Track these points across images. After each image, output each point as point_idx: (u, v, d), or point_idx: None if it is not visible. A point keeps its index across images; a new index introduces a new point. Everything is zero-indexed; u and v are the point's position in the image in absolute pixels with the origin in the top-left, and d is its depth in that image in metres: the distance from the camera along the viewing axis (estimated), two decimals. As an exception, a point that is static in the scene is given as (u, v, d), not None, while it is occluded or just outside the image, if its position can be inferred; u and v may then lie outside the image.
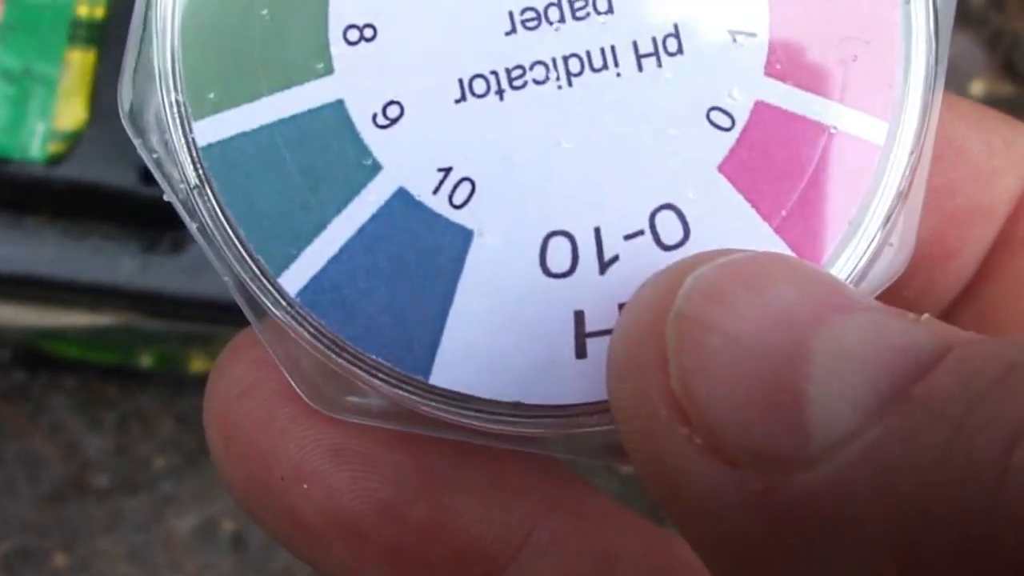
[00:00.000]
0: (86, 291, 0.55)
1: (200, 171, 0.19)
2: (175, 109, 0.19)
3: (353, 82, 0.19)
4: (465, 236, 0.19)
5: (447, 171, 0.18)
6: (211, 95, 0.19)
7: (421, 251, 0.19)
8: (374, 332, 0.18)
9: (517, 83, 0.19)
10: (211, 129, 0.19)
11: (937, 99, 0.19)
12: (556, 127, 0.19)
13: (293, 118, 0.19)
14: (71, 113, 0.53)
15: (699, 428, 0.15)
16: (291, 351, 0.19)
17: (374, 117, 0.18)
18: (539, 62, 0.19)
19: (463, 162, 0.19)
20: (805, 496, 0.14)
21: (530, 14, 0.19)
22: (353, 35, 0.19)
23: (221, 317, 0.58)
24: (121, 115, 0.19)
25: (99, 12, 0.53)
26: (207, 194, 0.19)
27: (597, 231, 0.19)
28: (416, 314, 0.18)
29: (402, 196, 0.19)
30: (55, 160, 0.52)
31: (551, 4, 0.19)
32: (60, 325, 0.60)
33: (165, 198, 0.19)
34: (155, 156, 0.19)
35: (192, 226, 0.19)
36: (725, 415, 0.14)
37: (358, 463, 0.20)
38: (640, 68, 0.19)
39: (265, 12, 0.19)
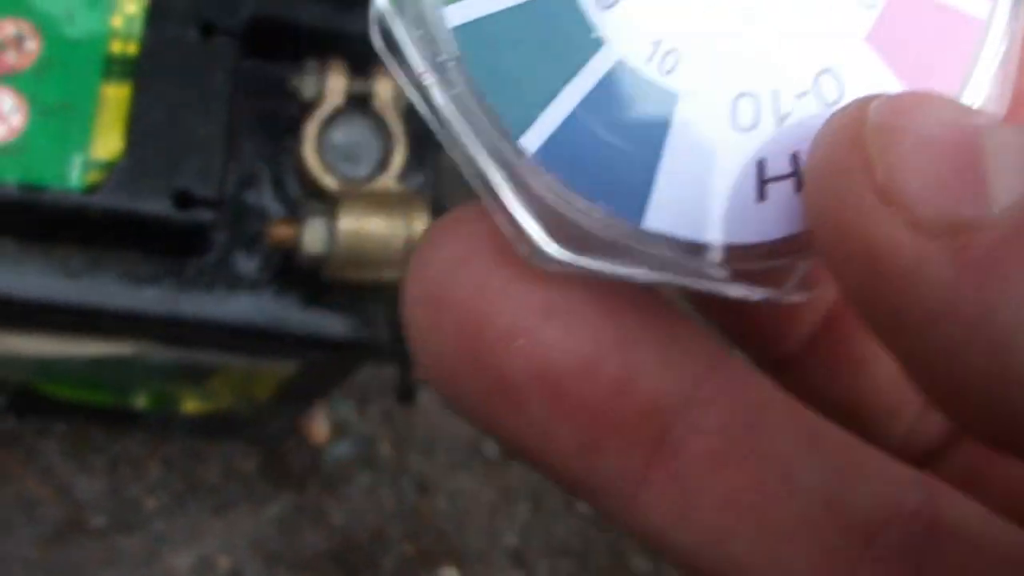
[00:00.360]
0: (110, 317, 0.56)
1: (452, 49, 0.21)
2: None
3: None
4: (672, 98, 0.22)
5: (657, 43, 0.21)
6: None
7: (637, 112, 0.21)
8: (600, 183, 0.21)
9: None
10: (460, 12, 0.21)
11: None
12: (741, 3, 0.22)
13: (530, 2, 0.21)
14: (108, 144, 0.55)
15: (903, 208, 0.18)
16: (529, 200, 0.21)
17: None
18: None
19: (670, 35, 0.21)
20: (994, 246, 0.18)
21: None
22: None
23: (241, 343, 0.60)
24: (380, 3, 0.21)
25: (132, 48, 0.56)
26: (460, 70, 0.21)
27: (775, 92, 0.22)
28: (633, 167, 0.21)
29: (621, 66, 0.21)
30: (93, 189, 0.54)
31: None
32: (74, 355, 0.62)
33: (408, 83, 0.21)
34: (419, 32, 0.21)
35: (449, 94, 0.21)
36: (925, 196, 0.18)
37: (564, 320, 0.22)
38: None
39: None
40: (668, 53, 0.22)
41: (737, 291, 0.22)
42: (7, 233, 0.57)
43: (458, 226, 0.22)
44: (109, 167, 0.54)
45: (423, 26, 0.21)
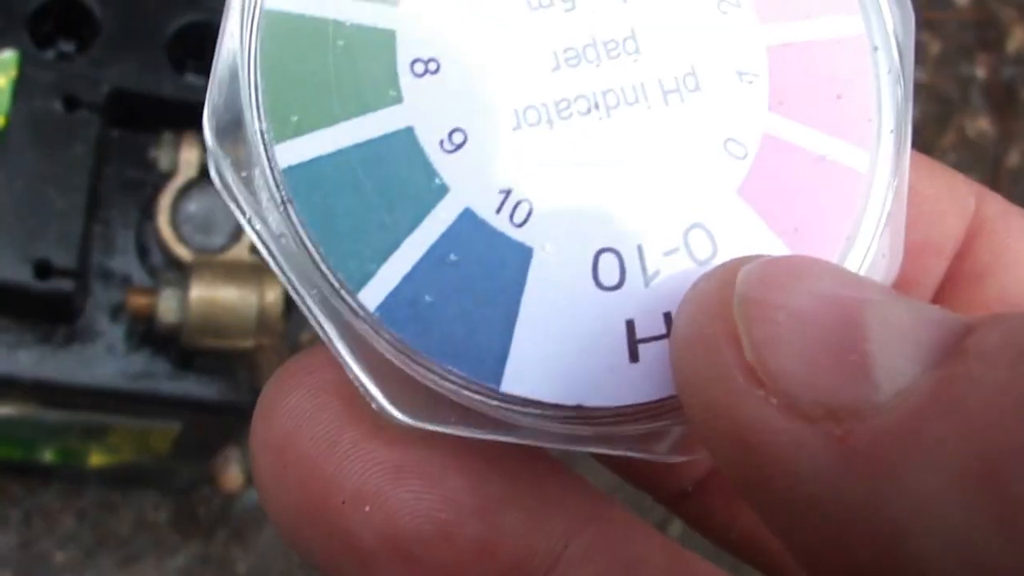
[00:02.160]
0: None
1: (282, 192, 0.19)
2: (258, 134, 0.20)
3: (420, 111, 0.20)
4: (526, 253, 0.20)
5: (507, 193, 0.20)
6: (291, 121, 0.20)
7: (487, 267, 0.20)
8: (448, 344, 0.19)
9: (564, 114, 0.20)
10: (293, 152, 0.20)
11: (907, 130, 0.21)
12: (600, 154, 0.20)
13: (368, 143, 0.20)
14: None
15: (774, 390, 0.16)
16: (368, 361, 0.19)
17: (440, 143, 0.20)
18: (581, 96, 0.20)
19: (521, 185, 0.20)
20: (880, 437, 0.15)
21: (571, 53, 0.21)
22: (419, 68, 0.20)
23: (117, 406, 0.60)
24: (208, 141, 0.20)
25: (0, 121, 0.57)
26: (289, 214, 0.19)
27: (640, 248, 0.20)
28: (485, 327, 0.20)
29: (468, 216, 0.20)
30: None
31: (588, 45, 0.21)
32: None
33: (243, 223, 0.20)
34: (243, 175, 0.20)
35: (272, 246, 0.19)
36: (799, 377, 0.16)
37: (418, 483, 0.20)
38: (667, 103, 0.21)
39: (341, 42, 0.20)
40: (519, 203, 0.20)
41: (608, 451, 0.21)
42: None
43: (306, 374, 0.20)
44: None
45: (250, 167, 0.20)
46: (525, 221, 0.20)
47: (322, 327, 0.20)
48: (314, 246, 0.19)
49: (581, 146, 0.20)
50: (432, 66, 0.20)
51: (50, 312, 0.57)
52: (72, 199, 0.56)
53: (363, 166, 0.20)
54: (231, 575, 0.80)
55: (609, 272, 0.20)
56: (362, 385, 0.19)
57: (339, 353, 0.19)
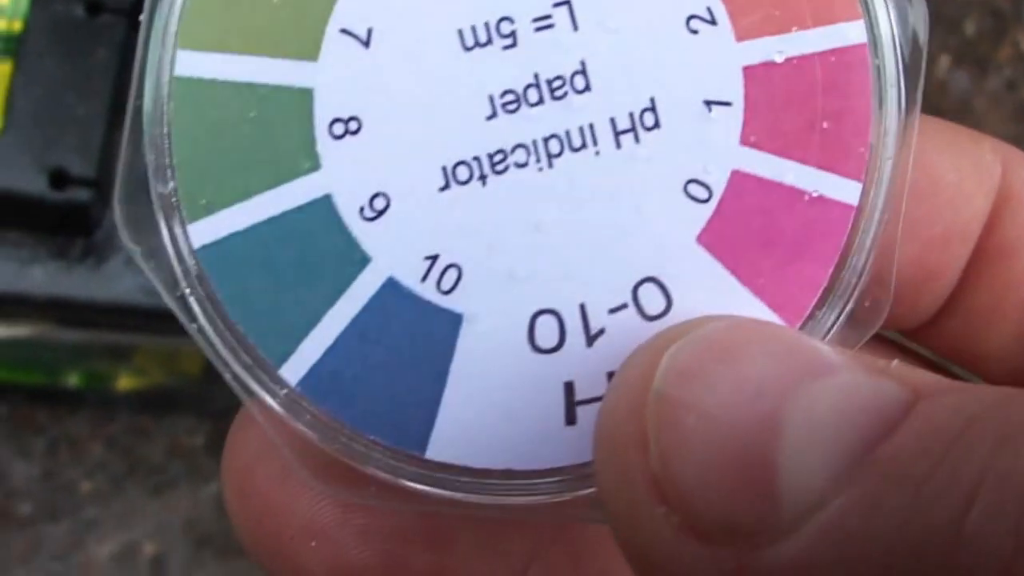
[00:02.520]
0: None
1: (196, 272, 0.19)
2: (167, 210, 0.19)
3: (339, 177, 0.19)
4: (454, 321, 0.19)
5: (434, 259, 0.19)
6: (202, 199, 0.19)
7: (413, 337, 0.19)
8: (372, 415, 0.19)
9: (499, 167, 0.19)
10: (205, 230, 0.19)
11: (909, 157, 0.19)
12: (538, 209, 0.19)
13: (283, 215, 0.19)
14: (-11, 121, 0.53)
15: (676, 506, 0.15)
16: (291, 436, 0.19)
17: (361, 210, 0.19)
18: (520, 145, 0.19)
19: (449, 249, 0.19)
20: (778, 570, 0.14)
21: (510, 96, 0.19)
22: (338, 129, 0.19)
23: (138, 324, 0.58)
24: (118, 220, 0.19)
25: (17, 25, 0.54)
26: (202, 295, 0.19)
27: (582, 307, 0.19)
28: (411, 396, 0.19)
29: (392, 286, 0.19)
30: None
31: (530, 85, 0.19)
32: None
33: (166, 302, 0.19)
34: (151, 264, 0.19)
35: (191, 327, 0.19)
36: (700, 492, 0.14)
37: (364, 520, 0.20)
38: (618, 145, 0.19)
39: (253, 113, 0.19)
40: (447, 269, 0.19)
41: (540, 519, 0.20)
42: None
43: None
44: (-13, 151, 0.53)
45: (157, 256, 0.19)
46: (454, 287, 0.19)
47: (246, 403, 0.19)
48: (231, 325, 0.19)
49: (518, 202, 0.19)
50: (353, 125, 0.19)
51: (66, 224, 0.55)
52: (93, 106, 0.54)
53: (278, 241, 0.19)
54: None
55: (547, 334, 0.19)
56: (288, 459, 0.19)
57: (265, 428, 0.19)
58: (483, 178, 0.19)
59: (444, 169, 0.19)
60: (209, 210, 0.19)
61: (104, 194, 0.55)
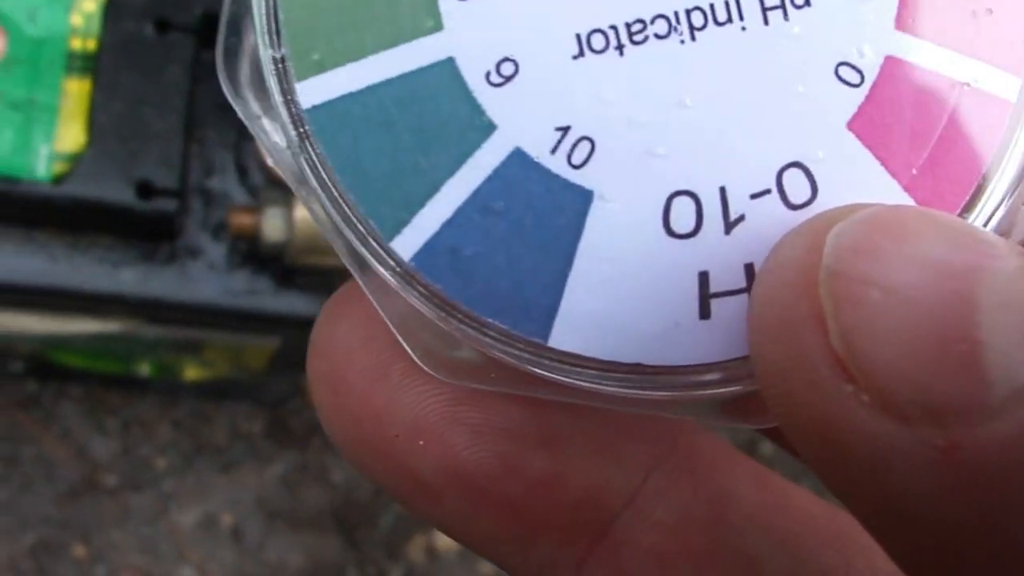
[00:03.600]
0: (92, 299, 0.58)
1: (305, 134, 0.17)
2: (277, 69, 0.17)
3: (464, 39, 0.17)
4: (585, 197, 0.17)
5: (565, 130, 0.17)
6: (315, 54, 0.17)
7: (539, 213, 0.17)
8: (491, 295, 0.17)
9: (637, 38, 0.17)
10: (316, 89, 0.17)
11: None
12: (679, 84, 0.17)
13: (402, 77, 0.17)
14: (71, 136, 0.56)
15: (867, 385, 0.13)
16: (402, 311, 0.18)
17: (487, 75, 0.17)
18: (660, 15, 0.17)
19: (582, 120, 0.17)
20: (994, 448, 0.13)
21: None
22: None
23: (214, 322, 0.62)
24: (220, 77, 0.18)
25: (91, 44, 0.57)
26: (312, 158, 0.17)
27: (722, 190, 0.17)
28: (534, 276, 0.17)
29: (518, 156, 0.17)
30: (59, 179, 0.56)
31: None
32: (68, 333, 0.64)
33: (269, 163, 0.18)
34: (257, 118, 0.18)
35: (299, 191, 0.18)
36: (895, 370, 0.13)
37: (476, 417, 0.19)
38: (766, 21, 0.17)
39: None
40: (579, 142, 0.17)
41: (668, 414, 0.18)
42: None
43: (352, 306, 0.19)
44: (74, 158, 0.56)
45: (274, 102, 0.18)
46: (585, 162, 0.17)
47: (354, 275, 0.18)
48: (342, 192, 0.17)
49: (658, 75, 0.17)
50: None
51: (152, 231, 0.58)
52: (170, 120, 0.56)
53: (396, 103, 0.17)
54: (328, 484, 0.81)
55: (683, 218, 0.17)
56: (396, 338, 0.18)
57: (373, 304, 0.18)
58: (620, 48, 0.17)
59: (578, 36, 0.17)
60: (320, 68, 0.17)
61: (185, 202, 0.58)
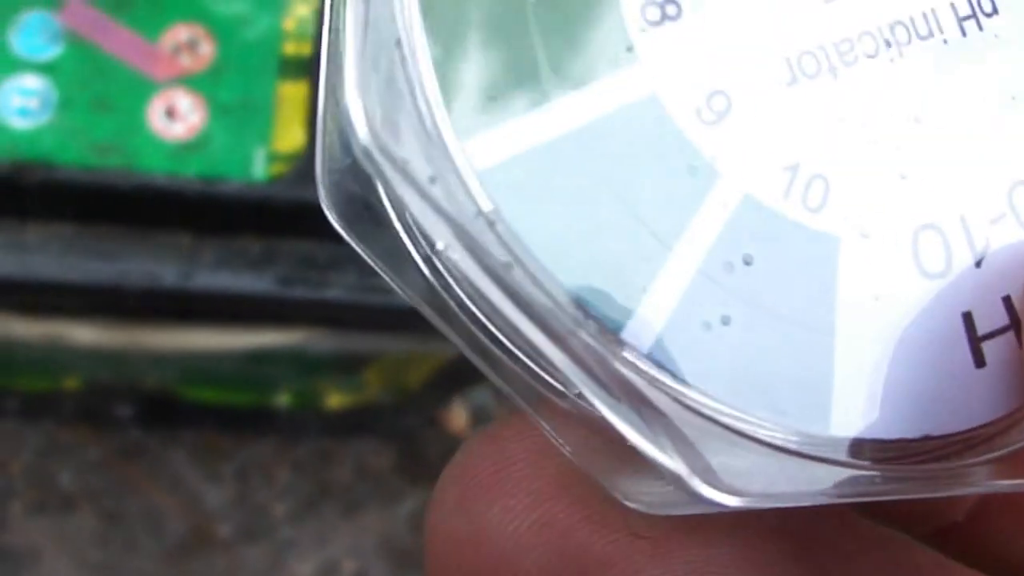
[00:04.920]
0: (295, 304, 0.57)
1: (481, 204, 0.14)
2: (436, 126, 0.14)
3: (664, 71, 0.15)
4: (831, 245, 0.15)
5: (795, 169, 0.15)
6: (482, 104, 0.14)
7: (784, 270, 0.15)
8: (747, 383, 0.15)
9: (848, 58, 0.16)
10: (489, 147, 0.14)
11: None
12: (897, 104, 0.16)
13: (595, 123, 0.14)
14: (289, 138, 0.56)
15: None
16: (654, 421, 0.14)
17: (698, 112, 0.15)
18: (866, 33, 0.16)
19: (810, 156, 0.15)
20: None
21: None
22: (653, 13, 0.15)
23: (422, 321, 0.60)
24: (358, 137, 0.13)
25: (305, 49, 0.57)
26: (496, 233, 0.14)
27: (963, 219, 0.16)
28: (795, 356, 0.15)
29: (750, 204, 0.15)
30: (277, 179, 0.55)
31: None
32: (240, 347, 0.62)
33: (439, 246, 0.14)
34: (422, 186, 0.14)
35: (476, 269, 0.14)
36: None
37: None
38: (964, 32, 0.16)
39: None
40: (811, 181, 0.15)
41: (960, 491, 0.16)
42: (181, 228, 0.57)
43: (511, 443, 0.16)
44: (292, 159, 0.55)
45: (431, 171, 0.14)
46: (823, 204, 0.15)
47: (561, 384, 0.15)
48: (539, 275, 0.14)
49: (875, 97, 0.16)
50: (671, 10, 0.15)
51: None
52: (385, 120, 0.56)
53: (592, 156, 0.14)
54: (457, 520, 0.79)
55: (933, 254, 0.16)
56: (639, 462, 0.14)
57: (601, 418, 0.14)
58: (833, 71, 0.16)
59: (788, 60, 0.15)
60: (493, 122, 0.14)
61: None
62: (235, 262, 0.57)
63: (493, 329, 0.14)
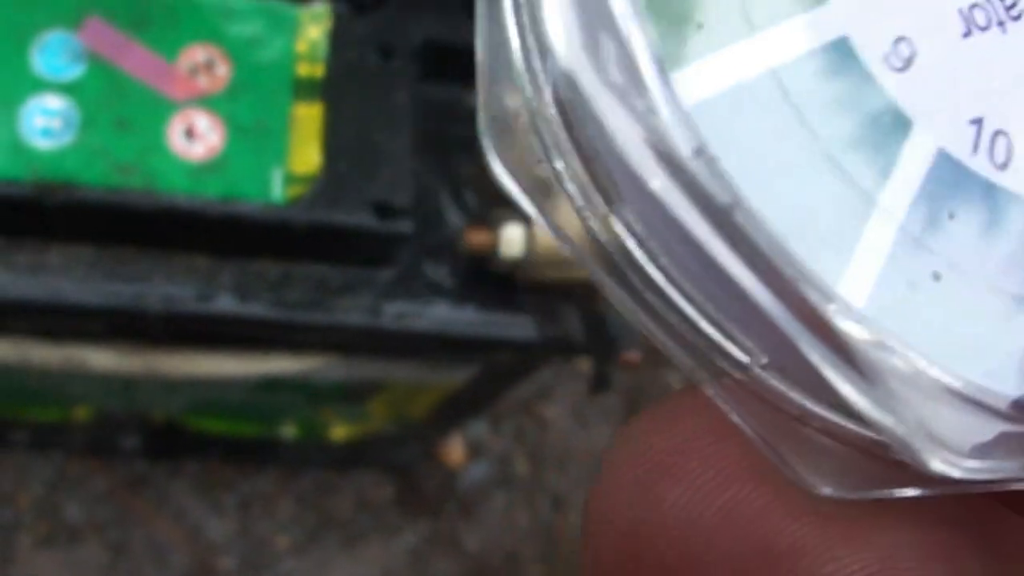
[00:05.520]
0: (309, 330, 0.57)
1: (694, 140, 0.13)
2: (643, 55, 0.13)
3: (852, 13, 0.15)
4: (1020, 208, 0.15)
5: (979, 123, 0.15)
6: (691, 32, 0.14)
7: (980, 236, 0.15)
8: (959, 344, 0.14)
9: (1014, 12, 0.15)
10: (698, 80, 0.14)
11: None
12: None
13: (792, 63, 0.14)
14: (305, 159, 0.56)
15: None
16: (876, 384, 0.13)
17: (886, 58, 0.14)
18: None
19: (993, 110, 0.15)
20: None
21: None
22: None
23: (437, 351, 0.61)
24: (557, 60, 0.13)
25: (318, 71, 0.58)
26: (716, 172, 0.13)
27: None
28: (993, 312, 0.15)
29: (945, 160, 0.15)
30: (294, 202, 0.55)
31: None
32: (250, 374, 0.62)
33: (653, 185, 0.13)
34: (637, 116, 0.13)
35: (689, 219, 0.13)
36: None
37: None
38: None
39: None
40: (996, 137, 0.15)
41: None
42: (199, 250, 0.57)
43: (687, 419, 0.14)
44: (308, 181, 0.56)
45: (652, 97, 0.13)
46: (1007, 161, 0.15)
47: (779, 340, 0.13)
48: (754, 223, 0.13)
49: None
50: None
51: (378, 255, 0.57)
52: (399, 142, 0.57)
53: (796, 94, 0.14)
54: (461, 553, 0.79)
55: None
56: (860, 434, 0.13)
57: (831, 383, 0.13)
58: (1001, 24, 0.15)
59: (960, 12, 0.15)
60: (701, 53, 0.14)
61: (418, 225, 0.58)
62: (253, 285, 0.57)
63: (674, 294, 0.13)
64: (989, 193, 0.15)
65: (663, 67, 0.13)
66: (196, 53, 0.57)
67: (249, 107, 0.57)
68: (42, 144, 0.54)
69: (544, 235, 0.56)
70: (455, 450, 0.79)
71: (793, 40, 0.14)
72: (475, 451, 0.80)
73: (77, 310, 0.55)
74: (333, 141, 0.57)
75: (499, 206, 0.58)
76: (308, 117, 0.58)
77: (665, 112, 0.12)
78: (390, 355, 0.61)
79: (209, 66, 0.58)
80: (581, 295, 0.59)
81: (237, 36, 0.58)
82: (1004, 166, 0.15)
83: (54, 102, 0.55)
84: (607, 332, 0.57)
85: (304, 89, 0.58)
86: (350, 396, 0.69)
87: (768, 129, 0.13)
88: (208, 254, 0.58)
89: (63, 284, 0.55)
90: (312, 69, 0.58)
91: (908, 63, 0.14)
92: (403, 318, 0.58)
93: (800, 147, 0.14)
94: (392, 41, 0.59)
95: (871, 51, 0.14)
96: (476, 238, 0.56)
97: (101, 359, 0.58)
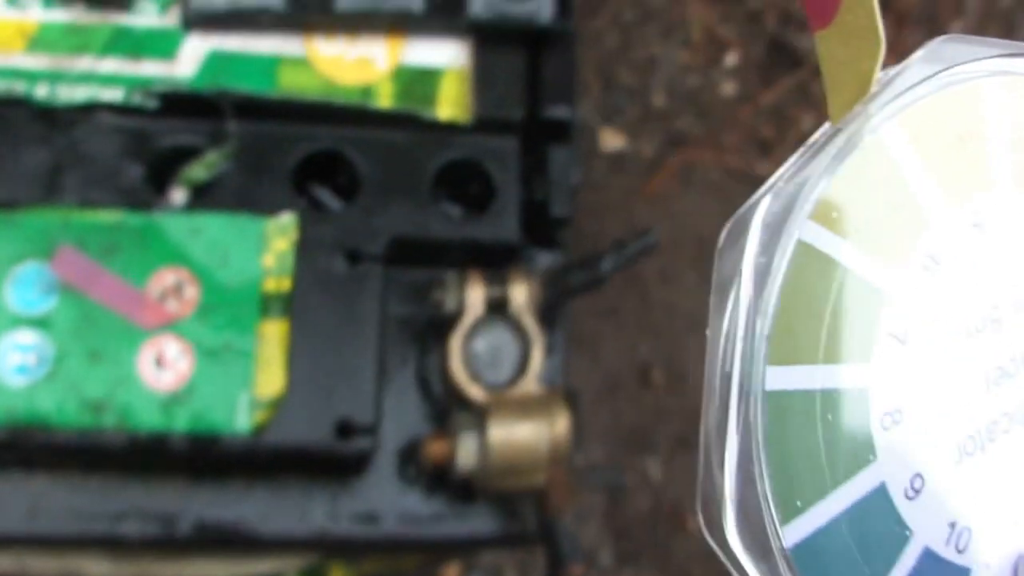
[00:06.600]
0: (285, 542, 0.58)
1: (791, 571, 0.21)
2: (767, 516, 0.21)
3: (890, 464, 0.21)
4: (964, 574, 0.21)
5: (953, 525, 0.21)
6: (797, 499, 0.21)
7: None
8: None
9: (992, 435, 0.21)
10: (796, 529, 0.21)
11: None
12: (1021, 463, 0.22)
13: (852, 507, 0.21)
14: (270, 381, 0.57)
15: None
16: None
17: (905, 492, 0.21)
18: (1005, 413, 0.22)
19: (964, 514, 0.21)
20: None
21: (998, 372, 0.22)
22: (887, 421, 0.21)
23: (398, 550, 0.61)
24: (704, 526, 0.21)
25: (285, 284, 0.58)
26: None
27: None
28: None
29: (927, 555, 0.21)
30: (260, 429, 0.56)
31: (1013, 359, 0.22)
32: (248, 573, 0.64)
33: None
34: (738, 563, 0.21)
35: None
36: None
37: None
38: None
39: (829, 416, 0.21)
40: (962, 532, 0.21)
41: None
42: (176, 471, 0.58)
43: None
44: (273, 405, 0.56)
45: (773, 545, 0.21)
46: (965, 547, 0.21)
47: None
48: None
49: (1008, 462, 0.21)
50: (897, 416, 0.21)
51: (344, 469, 0.58)
52: (363, 354, 0.57)
53: (849, 530, 0.21)
54: None
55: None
56: None
57: None
58: (983, 448, 0.21)
59: (958, 445, 0.21)
60: (800, 510, 0.21)
61: (378, 439, 0.58)
62: (224, 499, 0.59)
63: None
64: (948, 571, 0.21)
65: (773, 527, 0.20)
66: (165, 277, 0.58)
67: (217, 329, 0.58)
68: (16, 382, 0.56)
69: (499, 444, 0.55)
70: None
71: (850, 492, 0.21)
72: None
73: (60, 537, 0.58)
74: (299, 360, 0.57)
75: (459, 410, 0.58)
76: (274, 335, 0.58)
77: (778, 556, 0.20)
78: (360, 555, 0.62)
79: (178, 289, 0.58)
80: (535, 494, 0.59)
81: (205, 256, 0.58)
82: (963, 550, 0.21)
83: (28, 338, 0.57)
84: (556, 542, 0.57)
85: (271, 304, 0.58)
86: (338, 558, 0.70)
87: (831, 552, 0.21)
88: (182, 477, 0.59)
89: (48, 510, 0.57)
90: (279, 284, 0.58)
91: (918, 492, 0.21)
92: (357, 527, 0.59)
93: (846, 563, 0.21)
94: (359, 245, 0.58)
95: (897, 488, 0.21)
96: (434, 450, 0.57)
97: (97, 567, 0.61)
